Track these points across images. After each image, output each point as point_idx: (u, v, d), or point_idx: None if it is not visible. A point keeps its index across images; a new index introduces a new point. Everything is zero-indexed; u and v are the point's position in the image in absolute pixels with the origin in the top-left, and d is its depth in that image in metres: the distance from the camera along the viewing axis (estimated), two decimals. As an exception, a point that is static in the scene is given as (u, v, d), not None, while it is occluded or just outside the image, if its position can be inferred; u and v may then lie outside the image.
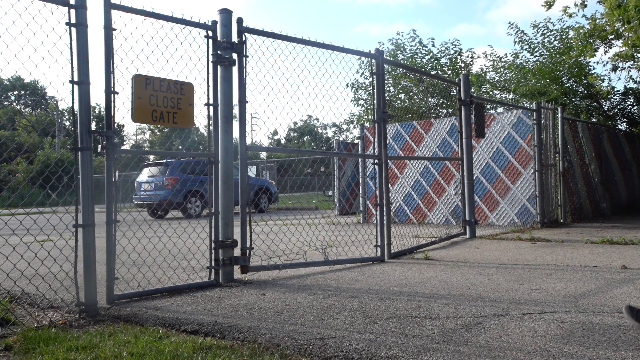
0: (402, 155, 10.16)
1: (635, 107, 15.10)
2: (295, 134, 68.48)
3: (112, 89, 3.41)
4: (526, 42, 14.89)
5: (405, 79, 16.35)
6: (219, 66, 4.16)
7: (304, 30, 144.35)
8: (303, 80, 4.77)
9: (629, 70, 12.97)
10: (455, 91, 7.45)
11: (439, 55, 16.72)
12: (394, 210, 10.13)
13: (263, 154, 31.29)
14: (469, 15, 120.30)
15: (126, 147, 53.76)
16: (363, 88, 17.48)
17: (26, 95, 54.67)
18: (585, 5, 10.18)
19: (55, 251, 3.75)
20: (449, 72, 16.41)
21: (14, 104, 55.33)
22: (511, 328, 2.67)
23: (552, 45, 14.42)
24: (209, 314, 3.11)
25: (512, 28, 15.11)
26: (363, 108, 17.68)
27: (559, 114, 9.40)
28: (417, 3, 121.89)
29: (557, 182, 9.23)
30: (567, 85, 14.45)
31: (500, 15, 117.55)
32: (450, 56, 16.76)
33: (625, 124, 15.22)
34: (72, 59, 3.15)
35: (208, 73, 4.09)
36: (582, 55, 12.44)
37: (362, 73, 17.10)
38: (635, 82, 14.25)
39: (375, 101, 5.44)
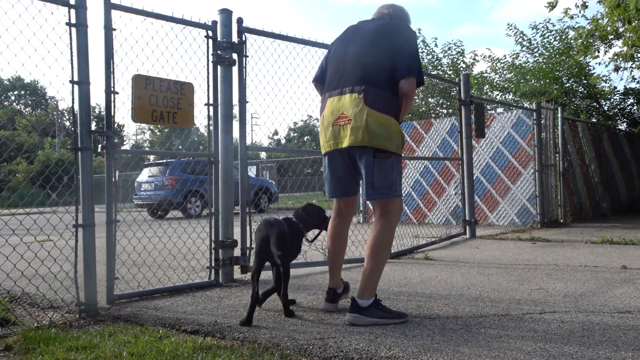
0: (402, 155, 10.14)
1: (636, 107, 15.08)
2: (295, 134, 68.43)
3: (112, 89, 3.41)
4: (525, 43, 14.87)
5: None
6: (219, 66, 4.15)
7: (309, 32, 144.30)
8: (303, 80, 4.76)
9: (631, 70, 12.96)
10: (455, 91, 7.45)
11: (441, 55, 16.70)
12: (394, 210, 10.10)
13: (263, 154, 31.25)
14: (473, 16, 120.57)
15: (126, 147, 53.73)
16: None
17: (26, 95, 54.66)
18: (586, 7, 10.14)
19: (55, 251, 3.75)
20: (450, 72, 16.39)
21: (14, 104, 55.32)
22: (511, 328, 2.67)
23: (552, 45, 14.41)
24: (209, 314, 3.11)
25: (510, 29, 15.10)
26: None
27: (559, 114, 9.39)
28: (422, 4, 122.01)
29: (557, 182, 9.23)
30: (567, 85, 14.43)
31: (503, 15, 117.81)
32: (452, 56, 16.74)
33: (625, 124, 15.21)
34: (72, 59, 3.15)
35: (208, 73, 4.08)
36: (584, 55, 12.42)
37: None
38: (637, 82, 14.24)
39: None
